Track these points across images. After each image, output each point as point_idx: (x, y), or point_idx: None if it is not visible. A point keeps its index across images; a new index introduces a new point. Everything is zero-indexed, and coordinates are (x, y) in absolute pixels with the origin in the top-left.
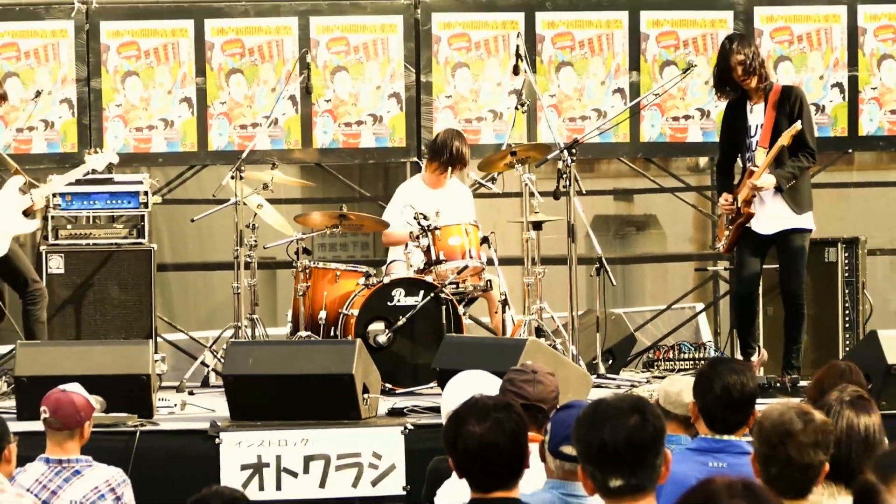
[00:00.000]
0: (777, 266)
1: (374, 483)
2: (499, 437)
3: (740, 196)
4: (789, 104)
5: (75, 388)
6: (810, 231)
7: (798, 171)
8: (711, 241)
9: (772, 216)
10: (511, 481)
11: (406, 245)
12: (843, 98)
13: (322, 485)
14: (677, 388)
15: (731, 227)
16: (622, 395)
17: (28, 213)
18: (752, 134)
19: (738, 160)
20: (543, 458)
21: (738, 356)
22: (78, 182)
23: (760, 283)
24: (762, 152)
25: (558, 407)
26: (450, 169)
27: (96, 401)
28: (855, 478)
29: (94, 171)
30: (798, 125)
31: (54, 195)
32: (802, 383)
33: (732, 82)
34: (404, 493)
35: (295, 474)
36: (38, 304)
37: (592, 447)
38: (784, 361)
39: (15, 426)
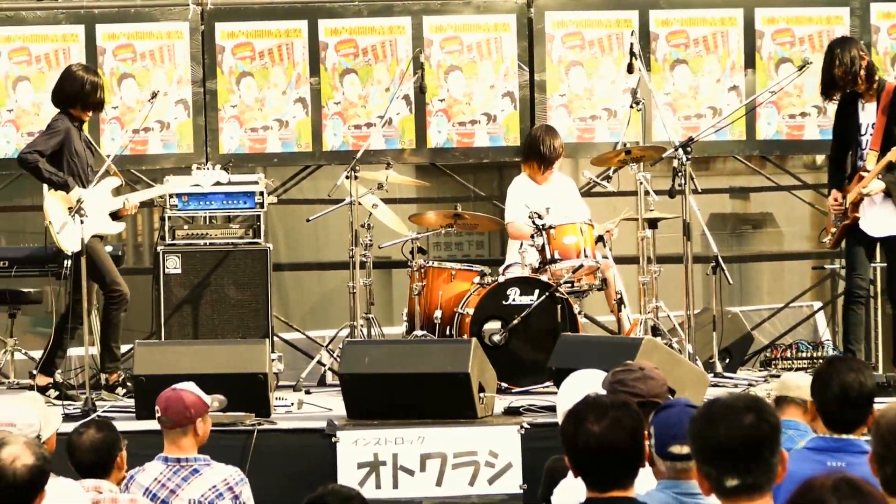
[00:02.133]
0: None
1: (491, 481)
2: (617, 435)
3: (849, 197)
4: None
5: (187, 386)
6: None
7: None
8: (819, 233)
9: (881, 219)
10: (627, 480)
11: (521, 244)
12: None
13: (439, 483)
14: (796, 375)
15: (838, 225)
16: (737, 394)
17: (117, 215)
18: (863, 133)
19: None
20: (652, 463)
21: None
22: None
23: (869, 280)
24: (873, 155)
25: (658, 408)
26: (546, 165)
27: (216, 399)
28: None
29: (197, 185)
30: None
31: (171, 196)
32: None
33: (837, 88)
34: (521, 491)
35: (412, 472)
36: (117, 305)
37: (708, 446)
38: (893, 359)
39: (134, 425)
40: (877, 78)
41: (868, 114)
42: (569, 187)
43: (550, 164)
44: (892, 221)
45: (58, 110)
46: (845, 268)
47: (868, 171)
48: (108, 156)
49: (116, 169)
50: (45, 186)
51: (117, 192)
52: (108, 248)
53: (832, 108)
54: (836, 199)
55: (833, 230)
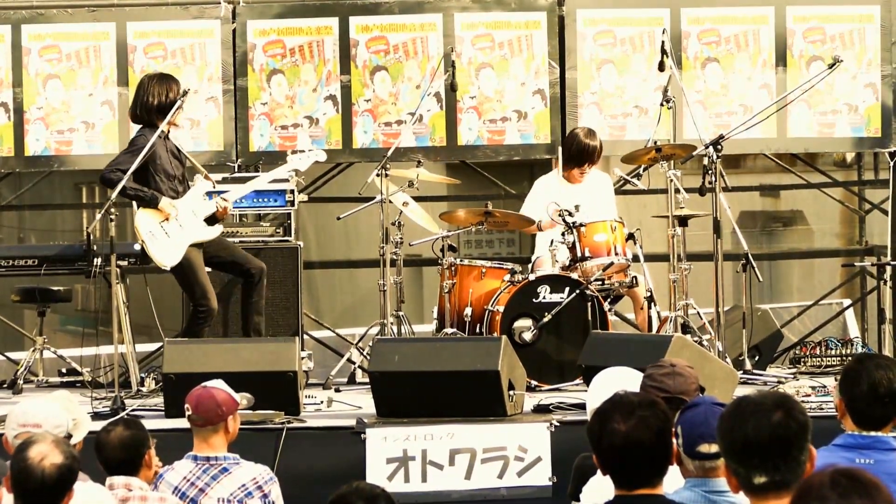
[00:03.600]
0: None
1: (520, 474)
2: (644, 434)
3: None
4: None
5: (217, 384)
6: None
7: None
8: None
9: None
10: (655, 478)
11: (552, 241)
12: None
13: (468, 476)
14: None
15: None
16: (766, 392)
17: (213, 218)
18: None
19: None
20: (679, 462)
21: (886, 352)
22: (224, 181)
23: None
24: None
25: (682, 408)
26: (582, 165)
27: (243, 397)
28: None
29: (297, 172)
30: None
31: (207, 194)
32: None
33: None
34: (550, 483)
35: (441, 467)
36: (203, 320)
37: (736, 444)
38: None
39: (163, 423)
40: None
41: None
42: (604, 184)
43: (582, 164)
44: None
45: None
46: None
47: None
48: (186, 160)
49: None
50: (135, 204)
51: (209, 195)
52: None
53: (863, 106)
54: None
55: None
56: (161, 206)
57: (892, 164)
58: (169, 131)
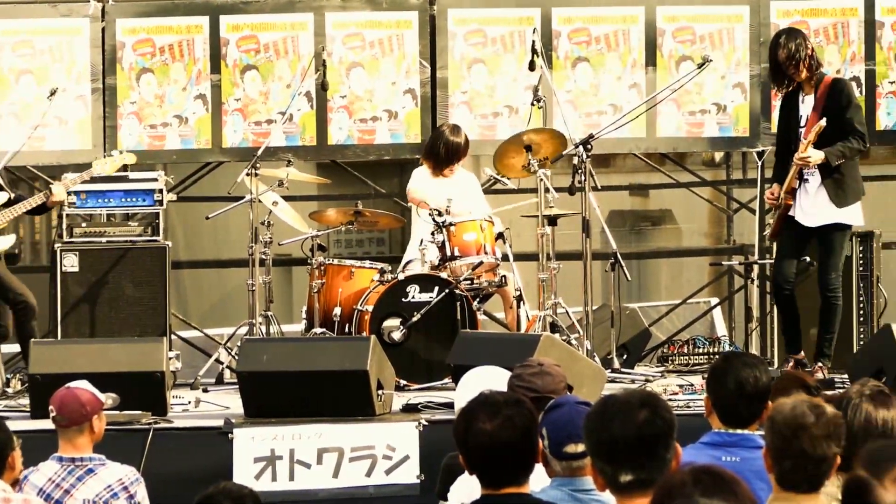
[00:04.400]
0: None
1: (388, 472)
2: (510, 433)
3: (784, 186)
4: (835, 97)
5: (81, 385)
6: (850, 227)
7: (848, 152)
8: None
9: (815, 208)
10: (522, 477)
11: (421, 241)
12: (861, 92)
13: (335, 475)
14: None
15: (775, 217)
16: (632, 390)
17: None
18: (803, 125)
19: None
20: (546, 462)
21: (753, 351)
22: (93, 180)
23: (794, 274)
24: (805, 145)
25: (546, 409)
26: (451, 164)
27: (108, 397)
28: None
29: (97, 178)
30: (822, 124)
31: (69, 193)
32: (831, 376)
33: (784, 75)
34: (418, 481)
35: (308, 465)
36: (27, 316)
37: (603, 443)
38: (817, 350)
39: (29, 424)
40: (817, 71)
41: (807, 106)
42: (471, 182)
43: (449, 162)
44: (825, 211)
45: None
46: (775, 261)
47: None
48: None
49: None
50: None
51: (4, 205)
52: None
53: (731, 106)
54: (772, 193)
55: (770, 222)
56: None
57: (759, 163)
58: None
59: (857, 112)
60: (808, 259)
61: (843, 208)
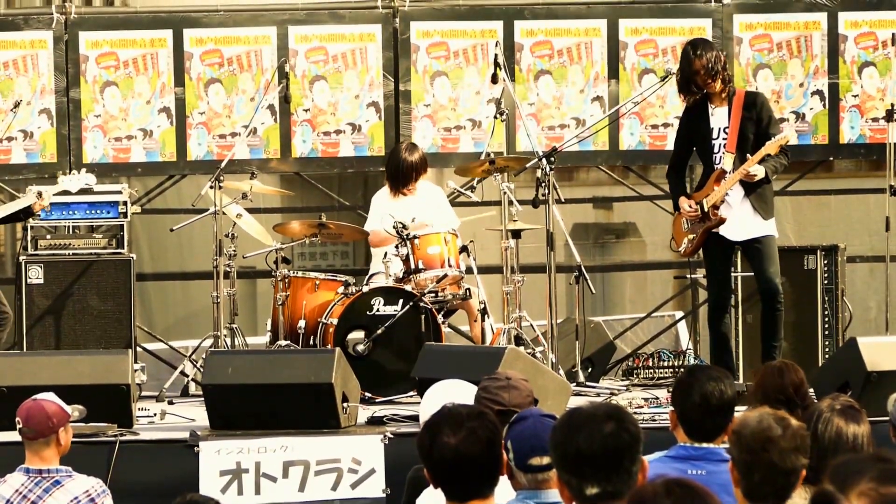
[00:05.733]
0: (752, 273)
1: (354, 486)
2: (473, 446)
3: (708, 200)
4: (755, 110)
5: (48, 397)
6: (776, 237)
7: (780, 167)
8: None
9: (741, 221)
10: (486, 490)
11: (386, 253)
12: (824, 106)
13: (301, 489)
14: None
15: (697, 231)
16: (598, 403)
17: None
18: (716, 136)
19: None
20: (511, 475)
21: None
22: (61, 193)
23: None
24: (730, 157)
25: (511, 421)
26: (408, 184)
27: (75, 409)
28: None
29: (66, 192)
30: (787, 136)
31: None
32: None
33: (697, 85)
34: (384, 495)
35: (274, 479)
36: (3, 329)
37: (568, 455)
38: (765, 358)
39: None
40: (730, 84)
41: (719, 118)
42: (436, 196)
43: (406, 182)
44: (752, 224)
45: None
46: (707, 277)
47: (727, 171)
48: None
49: None
50: None
51: None
52: None
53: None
54: (691, 206)
55: (690, 236)
56: None
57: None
58: None
59: (778, 127)
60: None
61: (768, 220)
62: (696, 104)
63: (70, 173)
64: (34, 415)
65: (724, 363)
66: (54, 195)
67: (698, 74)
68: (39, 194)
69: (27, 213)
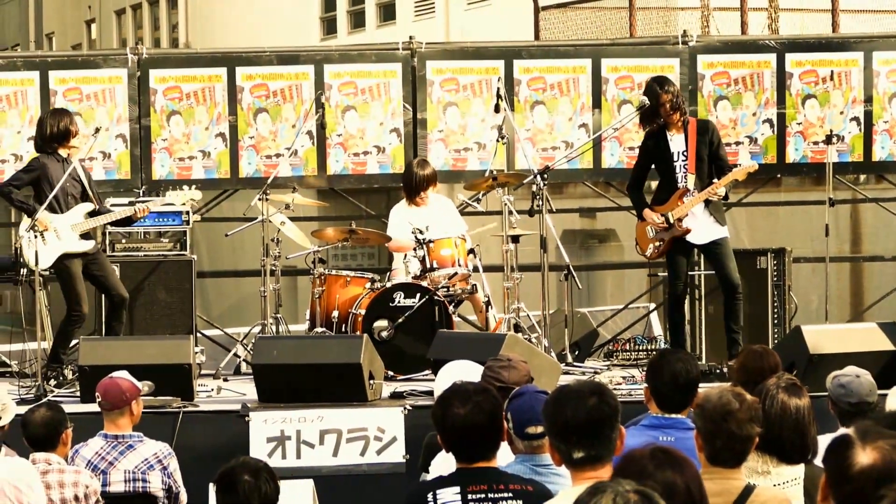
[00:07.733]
0: (713, 271)
1: (379, 452)
2: (479, 417)
3: (674, 213)
4: (707, 135)
5: (122, 374)
6: (730, 239)
7: (731, 185)
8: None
9: (703, 227)
10: (490, 453)
11: (406, 255)
12: (773, 131)
13: (335, 454)
14: None
15: (663, 239)
16: (583, 381)
17: (88, 235)
18: (677, 159)
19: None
20: (510, 442)
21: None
22: (130, 203)
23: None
24: (692, 176)
25: (510, 396)
26: (420, 193)
27: (145, 385)
28: (785, 452)
29: (170, 204)
30: (755, 164)
31: (88, 213)
32: None
33: (660, 116)
34: (404, 460)
35: (312, 445)
36: (74, 323)
37: (558, 424)
38: (729, 343)
39: (79, 407)
40: (685, 115)
41: (677, 143)
42: (446, 206)
43: (419, 191)
44: (712, 229)
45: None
46: (669, 274)
47: (692, 190)
48: (80, 182)
49: (96, 195)
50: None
51: (90, 214)
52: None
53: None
54: (660, 219)
55: (657, 243)
56: (38, 217)
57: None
58: (69, 156)
59: (723, 148)
60: None
61: (724, 226)
62: (654, 132)
63: (180, 189)
64: (111, 390)
65: (679, 344)
66: (161, 205)
67: (664, 107)
68: (146, 208)
69: (129, 219)
